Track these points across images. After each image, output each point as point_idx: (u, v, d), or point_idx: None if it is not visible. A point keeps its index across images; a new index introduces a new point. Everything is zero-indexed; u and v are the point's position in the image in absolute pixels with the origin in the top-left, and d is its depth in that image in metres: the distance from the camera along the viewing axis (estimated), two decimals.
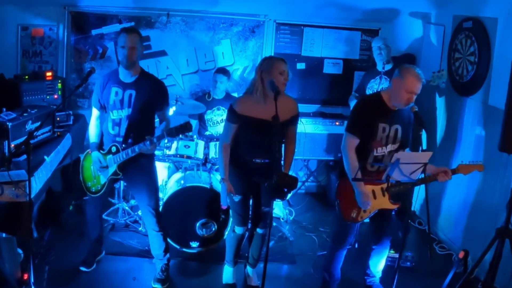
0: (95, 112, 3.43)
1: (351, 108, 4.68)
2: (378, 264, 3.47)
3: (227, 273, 3.57)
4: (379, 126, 3.03)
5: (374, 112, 3.03)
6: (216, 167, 4.25)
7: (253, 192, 3.31)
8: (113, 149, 3.27)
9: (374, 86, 4.54)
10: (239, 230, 3.36)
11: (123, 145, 3.26)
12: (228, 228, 3.92)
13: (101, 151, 3.34)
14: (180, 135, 3.30)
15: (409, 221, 4.38)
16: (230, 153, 3.22)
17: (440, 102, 4.66)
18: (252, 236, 3.48)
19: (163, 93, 3.35)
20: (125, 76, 3.25)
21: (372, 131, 3.03)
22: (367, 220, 3.23)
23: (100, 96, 3.32)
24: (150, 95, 3.26)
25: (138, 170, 3.34)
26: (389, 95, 3.04)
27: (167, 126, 3.32)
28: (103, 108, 3.36)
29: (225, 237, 3.95)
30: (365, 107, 3.12)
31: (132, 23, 4.82)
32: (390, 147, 3.08)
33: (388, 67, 4.47)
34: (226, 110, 4.52)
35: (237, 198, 3.22)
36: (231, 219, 3.87)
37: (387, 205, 3.10)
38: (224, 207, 3.32)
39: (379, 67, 4.50)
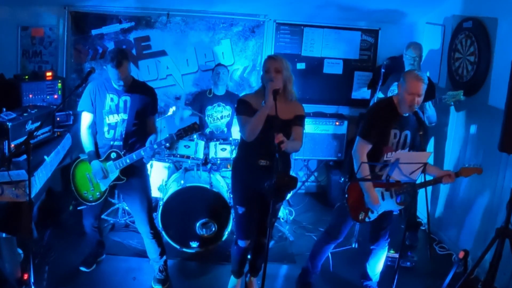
0: (87, 118, 3.29)
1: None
2: (375, 266, 3.47)
3: (232, 284, 3.45)
4: (391, 132, 3.07)
5: (387, 118, 3.07)
6: (215, 167, 4.26)
7: (258, 203, 3.14)
8: (113, 155, 3.24)
9: (395, 90, 4.53)
10: (242, 243, 3.21)
11: (123, 150, 3.25)
12: (228, 229, 3.92)
13: (99, 159, 3.28)
14: (189, 135, 3.30)
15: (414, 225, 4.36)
16: (235, 158, 3.19)
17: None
18: (256, 247, 3.33)
19: (154, 100, 3.36)
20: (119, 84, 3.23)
21: (384, 137, 3.07)
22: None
23: (93, 101, 3.26)
24: (144, 102, 3.27)
25: (133, 175, 3.31)
26: (398, 100, 3.10)
27: (156, 137, 3.31)
28: (94, 113, 3.30)
29: (224, 237, 3.96)
30: (379, 113, 3.15)
31: (132, 23, 4.82)
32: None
33: None
34: (226, 107, 4.54)
35: (241, 210, 3.11)
36: (231, 220, 3.88)
37: (394, 206, 3.15)
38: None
39: None
